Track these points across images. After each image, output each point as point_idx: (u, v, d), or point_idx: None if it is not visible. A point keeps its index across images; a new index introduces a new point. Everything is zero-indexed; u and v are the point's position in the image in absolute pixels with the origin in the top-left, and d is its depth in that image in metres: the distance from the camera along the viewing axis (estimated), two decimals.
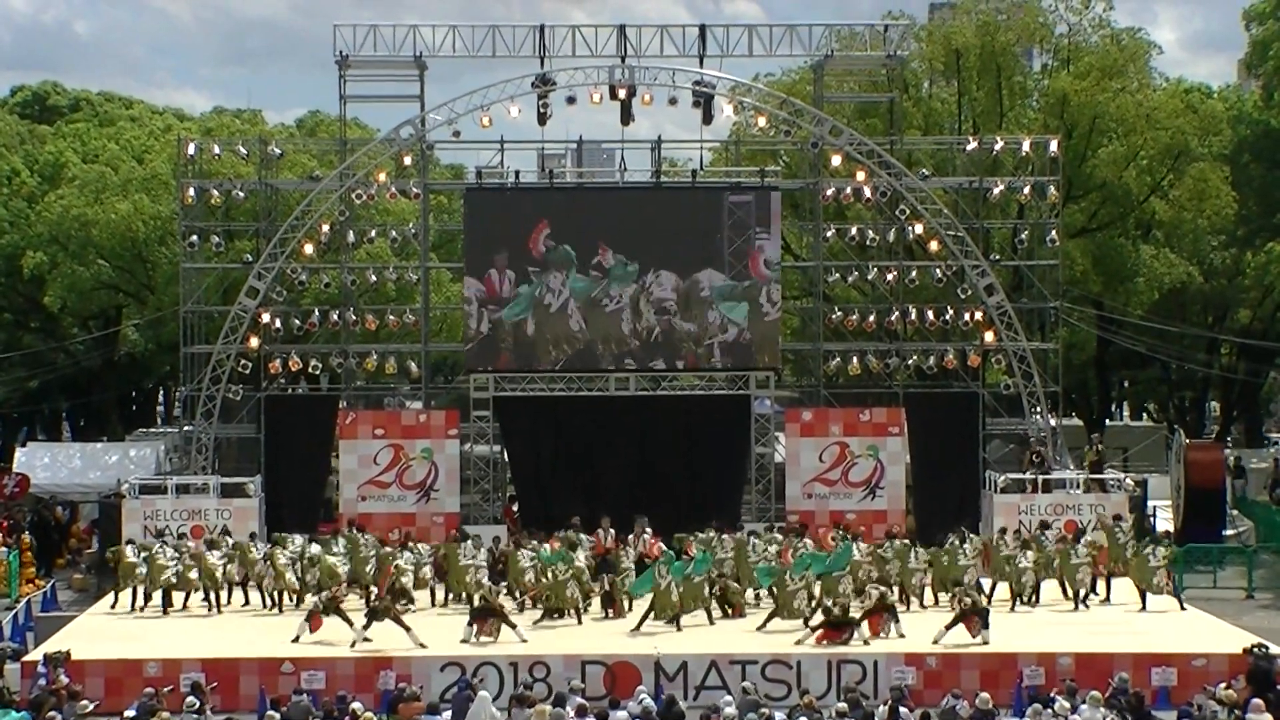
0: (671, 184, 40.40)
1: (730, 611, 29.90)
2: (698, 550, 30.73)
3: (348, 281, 40.10)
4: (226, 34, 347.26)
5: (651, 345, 38.09)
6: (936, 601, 30.73)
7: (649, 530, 32.83)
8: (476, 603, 28.54)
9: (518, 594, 30.49)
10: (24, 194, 51.65)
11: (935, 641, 27.18)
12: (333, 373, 40.75)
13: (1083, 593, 31.10)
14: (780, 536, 32.73)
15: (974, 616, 27.39)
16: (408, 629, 27.21)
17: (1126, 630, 28.81)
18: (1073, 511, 35.14)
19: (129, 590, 31.29)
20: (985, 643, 27.12)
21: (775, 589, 29.11)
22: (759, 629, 28.56)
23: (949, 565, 30.98)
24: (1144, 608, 30.70)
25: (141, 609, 30.95)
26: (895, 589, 30.05)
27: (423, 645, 26.97)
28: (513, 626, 27.80)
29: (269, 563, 31.21)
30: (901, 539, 31.84)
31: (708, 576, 29.81)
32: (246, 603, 31.51)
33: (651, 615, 28.85)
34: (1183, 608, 30.83)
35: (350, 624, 27.65)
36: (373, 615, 27.44)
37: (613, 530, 32.62)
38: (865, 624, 27.55)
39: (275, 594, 31.15)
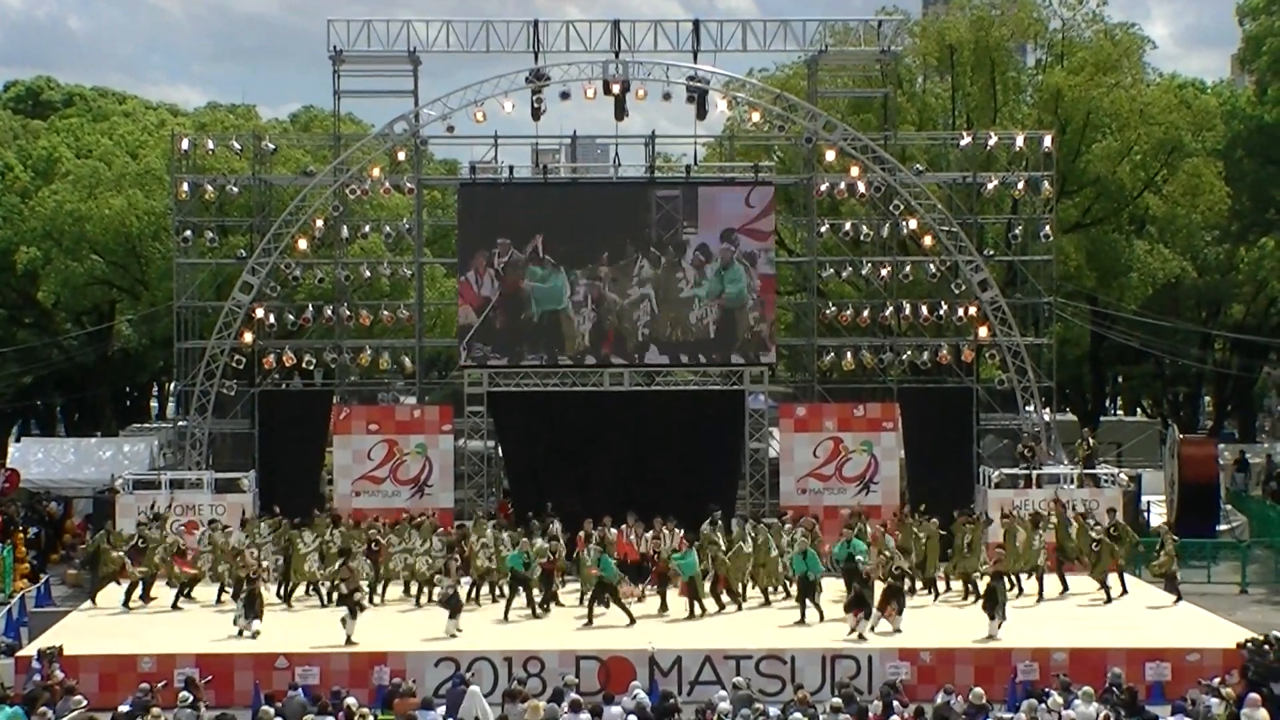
0: (665, 179, 40.41)
1: (733, 600, 30.12)
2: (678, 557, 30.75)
3: (342, 277, 40.06)
4: (220, 30, 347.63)
5: (644, 340, 38.08)
6: (948, 587, 30.93)
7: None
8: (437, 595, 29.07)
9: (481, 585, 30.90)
10: (17, 189, 51.50)
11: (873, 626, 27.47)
12: (327, 368, 40.81)
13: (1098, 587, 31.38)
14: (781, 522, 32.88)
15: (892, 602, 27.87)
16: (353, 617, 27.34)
17: (1120, 625, 28.87)
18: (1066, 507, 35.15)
19: (111, 585, 31.28)
20: (898, 631, 27.61)
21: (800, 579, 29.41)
22: (796, 624, 28.82)
23: (967, 557, 31.33)
24: (1125, 591, 31.11)
25: (125, 604, 30.91)
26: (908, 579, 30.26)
27: (354, 642, 27.04)
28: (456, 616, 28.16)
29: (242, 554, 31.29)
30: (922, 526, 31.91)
31: (700, 571, 29.99)
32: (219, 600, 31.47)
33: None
34: (1179, 601, 30.92)
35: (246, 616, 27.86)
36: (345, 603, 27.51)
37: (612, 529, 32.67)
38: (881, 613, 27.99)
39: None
